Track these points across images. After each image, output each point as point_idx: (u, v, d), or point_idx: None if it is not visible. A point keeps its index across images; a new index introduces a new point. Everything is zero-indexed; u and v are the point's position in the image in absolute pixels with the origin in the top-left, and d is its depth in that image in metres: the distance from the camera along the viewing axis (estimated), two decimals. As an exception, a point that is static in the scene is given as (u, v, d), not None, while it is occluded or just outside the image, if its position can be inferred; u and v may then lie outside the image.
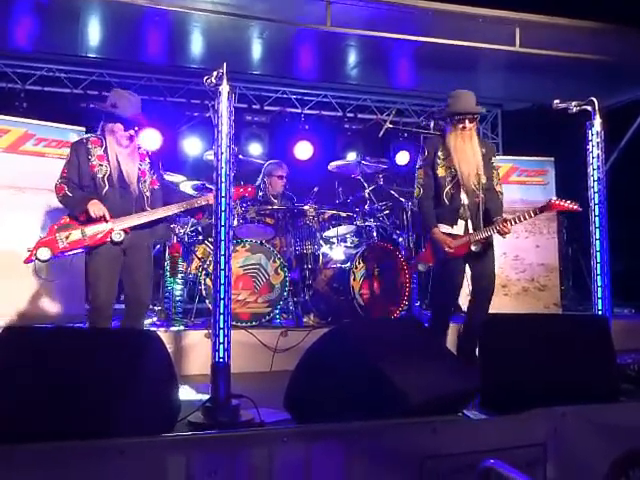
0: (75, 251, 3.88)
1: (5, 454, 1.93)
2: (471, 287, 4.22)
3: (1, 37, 5.93)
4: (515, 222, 4.12)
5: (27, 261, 3.81)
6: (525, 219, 4.15)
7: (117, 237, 3.79)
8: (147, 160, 4.06)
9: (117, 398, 2.24)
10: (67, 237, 3.80)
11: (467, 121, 4.15)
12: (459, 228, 4.18)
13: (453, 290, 4.21)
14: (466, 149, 4.16)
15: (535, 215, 4.14)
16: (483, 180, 4.17)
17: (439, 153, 4.21)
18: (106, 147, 3.91)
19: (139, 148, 4.07)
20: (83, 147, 3.91)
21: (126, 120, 3.89)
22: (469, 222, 4.18)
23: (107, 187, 3.85)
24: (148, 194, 3.98)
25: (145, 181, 3.99)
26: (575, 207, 4.06)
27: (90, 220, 3.78)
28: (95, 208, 3.75)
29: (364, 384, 2.55)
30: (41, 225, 5.24)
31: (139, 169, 3.98)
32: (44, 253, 3.76)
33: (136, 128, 3.95)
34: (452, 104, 4.20)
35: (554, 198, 4.15)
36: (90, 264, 3.86)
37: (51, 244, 3.78)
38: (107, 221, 3.78)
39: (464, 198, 4.17)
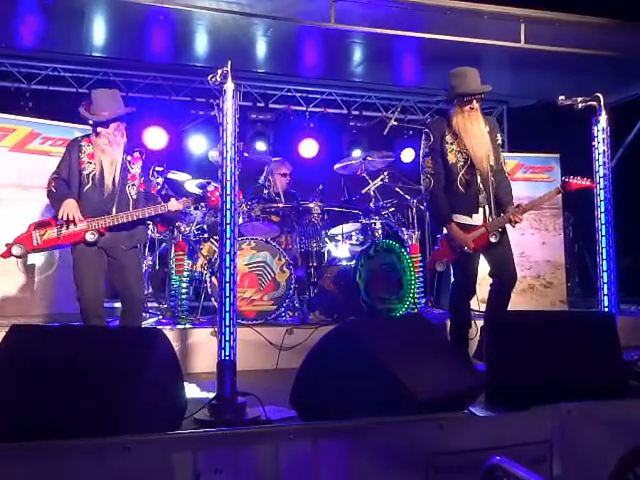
0: (51, 249, 3.98)
1: (10, 451, 1.93)
2: (494, 275, 4.05)
3: (7, 36, 5.95)
4: (529, 209, 4.04)
5: (4, 255, 3.88)
6: (541, 203, 4.06)
7: (90, 237, 3.83)
8: (140, 163, 4.09)
9: (123, 396, 2.25)
10: (42, 235, 3.87)
11: (475, 101, 3.93)
12: (478, 217, 3.98)
13: (474, 286, 4.07)
14: (475, 131, 3.95)
15: (552, 197, 4.05)
16: (492, 162, 3.98)
17: (446, 137, 3.97)
18: (96, 147, 3.97)
19: (135, 150, 4.10)
20: (76, 144, 3.99)
21: (104, 123, 3.91)
22: (486, 209, 3.99)
23: (90, 184, 3.90)
24: (134, 197, 4.01)
25: (134, 184, 4.02)
26: (589, 183, 3.95)
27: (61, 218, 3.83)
28: (66, 209, 3.79)
29: (370, 381, 2.55)
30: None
31: (129, 172, 4.01)
32: (17, 249, 3.84)
33: (111, 128, 3.93)
34: (458, 85, 3.94)
35: (569, 177, 4.05)
36: (74, 263, 3.92)
37: (26, 241, 3.86)
38: (76, 224, 3.82)
39: (480, 183, 3.95)
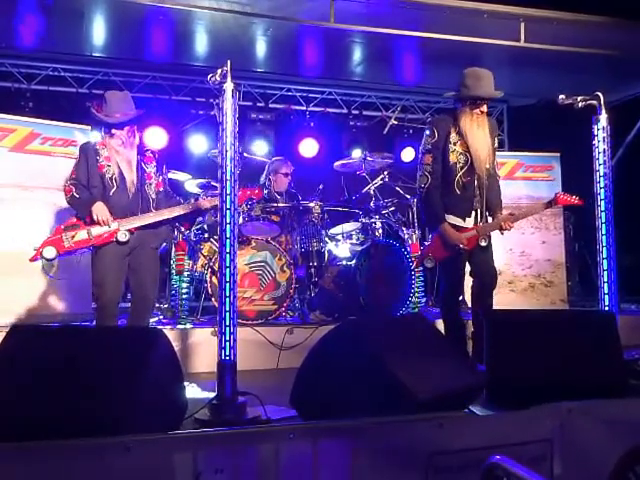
0: (81, 250, 3.96)
1: (10, 451, 1.94)
2: (475, 275, 4.04)
3: (7, 37, 5.96)
4: (522, 218, 4.07)
5: (33, 259, 3.91)
6: (533, 214, 4.07)
7: (123, 237, 3.85)
8: (154, 163, 4.11)
9: (123, 396, 2.25)
10: (73, 237, 3.88)
11: (485, 105, 3.89)
12: (471, 220, 3.96)
13: (462, 285, 4.10)
14: (480, 134, 3.90)
15: (542, 210, 4.08)
16: (488, 165, 3.95)
17: (451, 136, 3.91)
18: (110, 149, 3.97)
19: (146, 150, 4.12)
20: (91, 148, 4.00)
21: (117, 125, 3.93)
22: (479, 213, 3.97)
23: (115, 187, 3.92)
24: (154, 196, 4.05)
25: (151, 184, 4.05)
26: (577, 201, 4.07)
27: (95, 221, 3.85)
28: (98, 212, 3.82)
29: (370, 381, 2.55)
30: (48, 224, 5.25)
31: (145, 172, 4.03)
32: (50, 252, 3.85)
33: (125, 130, 3.95)
34: (472, 86, 3.85)
35: (560, 192, 4.12)
36: (97, 263, 3.91)
37: (57, 243, 3.87)
38: (109, 225, 3.83)
39: (477, 187, 3.92)
